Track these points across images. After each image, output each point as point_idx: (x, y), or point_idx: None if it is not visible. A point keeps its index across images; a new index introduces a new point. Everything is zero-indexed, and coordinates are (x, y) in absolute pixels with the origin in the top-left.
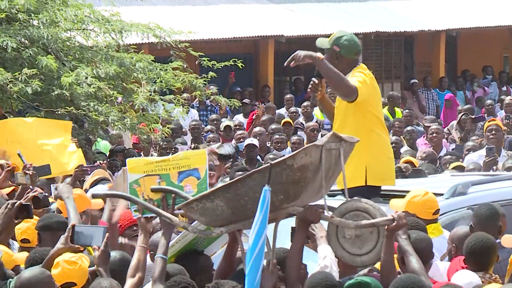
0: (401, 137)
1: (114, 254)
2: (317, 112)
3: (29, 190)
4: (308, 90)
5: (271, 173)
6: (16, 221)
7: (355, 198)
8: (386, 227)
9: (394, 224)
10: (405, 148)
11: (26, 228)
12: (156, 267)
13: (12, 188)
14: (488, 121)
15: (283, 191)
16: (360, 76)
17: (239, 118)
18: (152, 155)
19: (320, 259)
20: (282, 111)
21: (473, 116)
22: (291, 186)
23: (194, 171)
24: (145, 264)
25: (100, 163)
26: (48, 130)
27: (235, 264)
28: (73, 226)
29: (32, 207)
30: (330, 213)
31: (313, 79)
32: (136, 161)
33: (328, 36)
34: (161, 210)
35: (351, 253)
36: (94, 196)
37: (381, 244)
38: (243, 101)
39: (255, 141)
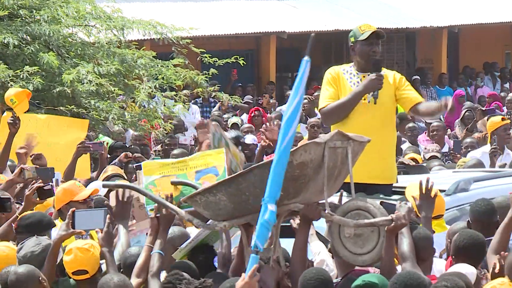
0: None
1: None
2: None
3: (33, 181)
4: (378, 84)
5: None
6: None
7: (358, 197)
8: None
9: (392, 225)
10: (407, 145)
11: None
12: (155, 263)
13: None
14: (502, 119)
15: (283, 187)
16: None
17: (242, 117)
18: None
19: (315, 255)
20: (284, 107)
21: (483, 108)
22: (291, 183)
23: (212, 169)
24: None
25: (104, 142)
26: (62, 129)
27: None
28: (73, 211)
29: (38, 198)
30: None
31: (378, 74)
32: (151, 164)
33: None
34: (168, 203)
35: (353, 252)
36: (105, 186)
37: (382, 243)
38: (245, 99)
39: (249, 139)
